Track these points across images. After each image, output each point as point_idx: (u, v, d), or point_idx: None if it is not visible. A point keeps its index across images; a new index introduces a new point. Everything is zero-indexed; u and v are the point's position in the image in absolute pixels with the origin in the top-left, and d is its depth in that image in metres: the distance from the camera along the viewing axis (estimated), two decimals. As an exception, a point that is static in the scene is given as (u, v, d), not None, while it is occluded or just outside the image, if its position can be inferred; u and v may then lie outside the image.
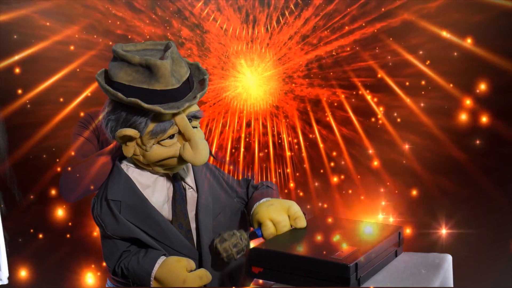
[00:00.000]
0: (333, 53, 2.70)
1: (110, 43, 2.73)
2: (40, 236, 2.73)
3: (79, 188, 1.75)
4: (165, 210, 1.70)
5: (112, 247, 1.68)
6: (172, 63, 1.54)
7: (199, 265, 1.70)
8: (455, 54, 2.59)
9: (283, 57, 2.74)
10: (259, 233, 1.64)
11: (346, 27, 2.67)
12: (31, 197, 2.65)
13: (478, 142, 2.63)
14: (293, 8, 2.70)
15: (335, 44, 2.68)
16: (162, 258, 1.60)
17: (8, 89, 2.67)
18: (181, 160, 1.61)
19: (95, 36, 2.76)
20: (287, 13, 2.70)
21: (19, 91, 2.68)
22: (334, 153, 2.69)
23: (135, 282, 1.65)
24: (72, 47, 2.75)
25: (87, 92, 2.67)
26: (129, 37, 2.75)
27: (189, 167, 1.76)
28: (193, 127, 1.61)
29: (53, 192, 2.66)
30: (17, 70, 2.69)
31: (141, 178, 1.69)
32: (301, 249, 1.49)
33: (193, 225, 1.72)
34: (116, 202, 1.65)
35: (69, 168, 1.80)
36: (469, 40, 2.56)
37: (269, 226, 1.61)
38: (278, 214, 1.62)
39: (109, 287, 1.94)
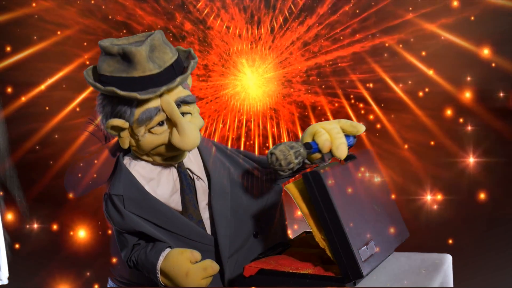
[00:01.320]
0: (332, 62, 2.77)
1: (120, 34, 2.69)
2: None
3: (81, 183, 1.74)
4: (174, 202, 1.67)
5: (123, 241, 1.66)
6: (153, 49, 1.54)
7: (216, 252, 1.66)
8: (452, 67, 2.71)
9: (284, 61, 2.78)
10: (314, 144, 1.49)
11: (347, 39, 2.75)
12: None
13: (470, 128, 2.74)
14: (297, 14, 2.75)
15: (335, 54, 2.75)
16: (167, 251, 1.57)
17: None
18: (171, 146, 1.58)
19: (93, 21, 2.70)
20: (291, 19, 2.75)
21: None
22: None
23: (146, 275, 1.62)
24: (67, 31, 2.68)
25: (88, 91, 2.63)
26: (129, 24, 2.70)
27: (196, 156, 1.73)
28: (185, 113, 1.60)
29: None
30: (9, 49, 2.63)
31: (144, 171, 1.67)
32: (344, 207, 1.39)
33: (205, 215, 1.69)
34: (118, 196, 1.63)
35: (73, 163, 1.79)
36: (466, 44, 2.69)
37: (323, 132, 1.49)
38: (330, 123, 1.52)
39: (110, 287, 1.90)
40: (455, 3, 2.71)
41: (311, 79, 2.79)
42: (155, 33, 1.57)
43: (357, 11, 2.75)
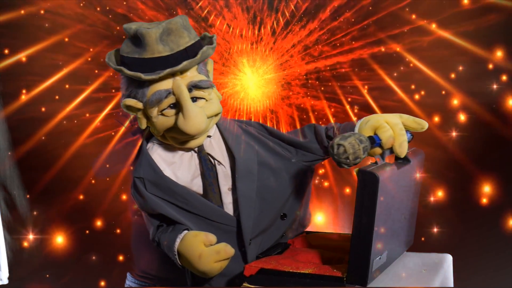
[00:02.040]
0: (331, 67, 2.79)
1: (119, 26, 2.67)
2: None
3: (104, 166, 1.84)
4: (196, 186, 1.69)
5: (148, 222, 1.69)
6: (169, 33, 1.56)
7: (238, 233, 1.66)
8: (446, 87, 2.76)
9: (285, 63, 2.79)
10: (377, 139, 1.43)
11: (347, 45, 2.78)
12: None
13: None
14: (299, 17, 2.77)
15: (334, 60, 2.77)
16: (184, 233, 1.59)
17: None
18: (178, 129, 1.60)
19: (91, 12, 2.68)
20: (293, 22, 2.77)
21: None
22: (321, 171, 2.75)
23: (170, 256, 1.64)
24: (64, 20, 2.67)
25: (89, 90, 2.64)
26: (130, 18, 2.68)
27: (218, 140, 1.74)
28: (198, 98, 1.61)
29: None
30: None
31: (165, 155, 1.69)
32: (380, 215, 1.36)
33: (227, 200, 1.69)
34: (140, 179, 1.66)
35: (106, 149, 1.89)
36: (460, 67, 2.74)
37: (387, 128, 1.44)
38: (393, 118, 1.48)
39: (128, 286, 1.91)
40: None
41: (310, 82, 2.80)
42: (176, 17, 1.60)
43: (352, 19, 2.78)
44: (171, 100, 1.58)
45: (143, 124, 1.65)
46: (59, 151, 2.53)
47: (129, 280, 1.91)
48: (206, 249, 1.53)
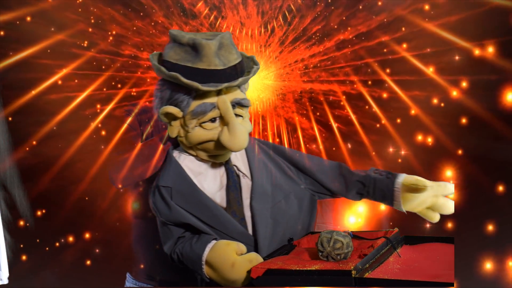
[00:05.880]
0: (324, 93, 2.86)
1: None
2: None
3: (125, 175, 1.82)
4: (219, 198, 1.69)
5: (167, 233, 1.67)
6: (221, 47, 1.60)
7: (255, 251, 1.66)
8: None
9: (285, 74, 2.82)
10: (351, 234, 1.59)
11: (342, 77, 2.88)
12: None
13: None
14: (308, 37, 2.84)
15: (328, 87, 2.85)
16: (213, 242, 1.59)
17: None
18: (219, 144, 1.62)
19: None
20: (302, 39, 2.83)
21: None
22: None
23: (190, 267, 1.63)
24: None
25: (91, 88, 2.60)
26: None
27: (243, 154, 1.76)
28: (238, 115, 1.64)
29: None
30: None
31: (192, 165, 1.69)
32: None
33: (247, 213, 1.70)
34: (167, 188, 1.66)
35: (117, 156, 1.88)
36: (454, 92, 2.83)
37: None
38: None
39: (128, 287, 1.90)
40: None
41: (302, 101, 2.85)
42: (225, 32, 1.65)
43: (350, 57, 2.90)
44: (214, 114, 1.60)
45: (175, 133, 1.64)
46: (60, 151, 2.50)
47: (129, 282, 1.88)
48: (239, 258, 1.54)
